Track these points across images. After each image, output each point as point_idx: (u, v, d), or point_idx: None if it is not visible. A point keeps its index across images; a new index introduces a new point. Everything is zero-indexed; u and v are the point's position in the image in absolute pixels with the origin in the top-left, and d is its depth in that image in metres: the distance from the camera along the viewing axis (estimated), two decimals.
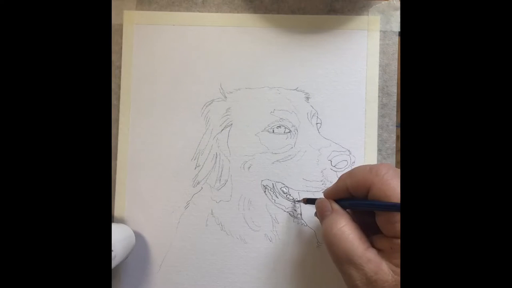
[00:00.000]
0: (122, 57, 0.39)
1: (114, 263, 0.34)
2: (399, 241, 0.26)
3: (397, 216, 0.26)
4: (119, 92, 0.39)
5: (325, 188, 0.33)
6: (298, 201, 0.37)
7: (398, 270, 0.25)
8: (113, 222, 0.38)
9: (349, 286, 0.27)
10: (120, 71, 0.39)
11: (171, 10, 0.39)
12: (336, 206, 0.31)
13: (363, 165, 0.30)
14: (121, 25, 0.39)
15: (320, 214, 0.31)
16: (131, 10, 0.39)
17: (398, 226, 0.26)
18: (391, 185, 0.26)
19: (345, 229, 0.28)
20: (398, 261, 0.26)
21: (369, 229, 0.29)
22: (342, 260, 0.27)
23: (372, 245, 0.28)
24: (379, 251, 0.27)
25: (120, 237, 0.34)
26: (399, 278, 0.25)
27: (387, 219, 0.26)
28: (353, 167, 0.37)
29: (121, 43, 0.39)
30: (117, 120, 0.39)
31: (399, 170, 0.28)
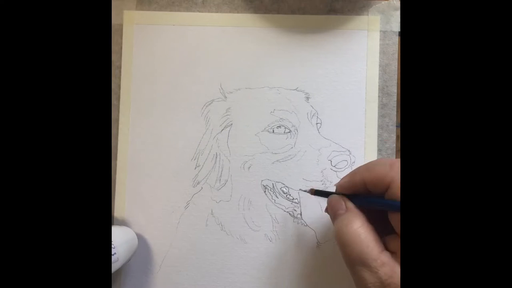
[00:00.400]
0: (122, 57, 0.39)
1: (116, 266, 0.33)
2: None
3: None
4: (119, 92, 0.39)
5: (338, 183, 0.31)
6: (304, 191, 0.35)
7: None
8: (113, 223, 0.38)
9: None
10: (120, 71, 0.39)
11: (171, 10, 0.39)
12: (350, 204, 0.29)
13: (381, 160, 0.29)
14: (121, 25, 0.39)
15: (333, 213, 0.30)
16: (131, 10, 0.39)
17: None
18: None
19: (360, 230, 0.27)
20: None
21: (381, 228, 0.28)
22: (355, 262, 0.27)
23: (385, 246, 0.27)
24: (392, 253, 0.26)
25: (123, 240, 0.34)
26: None
27: None
28: (353, 167, 0.37)
29: (121, 43, 0.39)
30: (117, 120, 0.39)
31: None
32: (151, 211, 0.38)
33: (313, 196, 0.34)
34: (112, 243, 0.33)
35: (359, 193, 0.30)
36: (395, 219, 0.27)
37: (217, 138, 0.38)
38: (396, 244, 0.26)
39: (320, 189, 0.35)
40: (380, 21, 0.38)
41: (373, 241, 0.27)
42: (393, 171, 0.27)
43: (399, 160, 0.28)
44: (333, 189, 0.32)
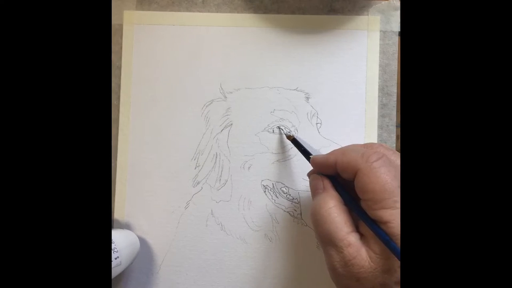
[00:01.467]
0: (122, 57, 0.39)
1: (119, 270, 0.34)
2: (381, 226, 0.26)
3: (382, 202, 0.26)
4: (119, 92, 0.39)
5: (317, 155, 0.32)
6: (285, 133, 0.37)
7: (376, 257, 0.26)
8: (115, 225, 0.38)
9: (328, 266, 0.28)
10: (120, 71, 0.39)
11: (171, 10, 0.39)
12: (328, 185, 0.30)
13: (356, 146, 0.30)
14: (121, 25, 0.39)
15: (312, 191, 0.31)
16: (131, 10, 0.39)
17: (382, 211, 0.26)
18: (377, 176, 0.26)
19: (332, 211, 0.28)
20: (377, 248, 0.26)
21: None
22: (325, 241, 0.28)
23: (357, 229, 0.28)
24: (362, 236, 0.27)
25: (125, 244, 0.34)
26: (375, 265, 0.26)
27: (370, 206, 0.26)
28: None
29: (121, 43, 0.39)
30: (117, 120, 0.39)
31: (394, 157, 0.28)
32: (151, 211, 0.38)
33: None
34: (115, 247, 0.33)
35: (331, 174, 0.30)
36: (364, 204, 0.27)
37: (217, 138, 0.38)
38: (366, 227, 0.27)
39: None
40: (380, 21, 0.38)
41: (343, 222, 0.28)
42: (362, 160, 0.27)
43: (371, 148, 0.29)
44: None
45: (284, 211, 0.38)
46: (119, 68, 0.39)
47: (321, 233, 0.28)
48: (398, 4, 0.38)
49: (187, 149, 0.38)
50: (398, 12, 0.38)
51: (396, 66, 0.38)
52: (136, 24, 0.39)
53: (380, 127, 0.38)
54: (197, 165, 0.38)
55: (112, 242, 0.33)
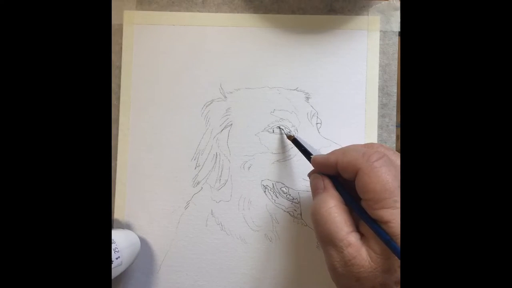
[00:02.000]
0: (122, 57, 0.39)
1: (120, 270, 0.33)
2: (381, 226, 0.26)
3: (383, 202, 0.26)
4: (119, 92, 0.39)
5: (318, 155, 0.32)
6: (286, 133, 0.37)
7: (376, 257, 0.26)
8: (115, 225, 0.38)
9: (328, 266, 0.28)
10: (120, 71, 0.39)
11: (171, 10, 0.39)
12: (328, 184, 0.30)
13: (357, 146, 0.30)
14: (121, 25, 0.39)
15: (313, 191, 0.31)
16: (131, 10, 0.39)
17: (382, 211, 0.26)
18: (377, 175, 0.26)
19: (332, 210, 0.28)
20: (377, 248, 0.26)
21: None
22: (325, 240, 0.28)
23: (358, 229, 0.28)
24: (362, 236, 0.27)
25: (126, 244, 0.34)
26: (375, 265, 0.26)
27: (371, 205, 0.26)
28: None
29: (121, 43, 0.39)
30: (117, 120, 0.39)
31: (394, 157, 0.28)
32: (151, 211, 0.38)
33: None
34: (116, 247, 0.33)
35: (332, 174, 0.30)
36: (365, 204, 0.27)
37: (217, 138, 0.38)
38: (366, 227, 0.27)
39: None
40: (380, 21, 0.38)
41: (343, 222, 0.28)
42: (363, 159, 0.27)
43: (372, 148, 0.29)
44: None
45: (284, 211, 0.38)
46: (119, 68, 0.39)
47: (321, 233, 0.28)
48: (398, 4, 0.38)
49: (187, 149, 0.38)
50: (398, 12, 0.38)
51: (396, 66, 0.38)
52: (136, 24, 0.39)
53: (380, 127, 0.38)
54: (197, 165, 0.38)
55: (113, 242, 0.33)
